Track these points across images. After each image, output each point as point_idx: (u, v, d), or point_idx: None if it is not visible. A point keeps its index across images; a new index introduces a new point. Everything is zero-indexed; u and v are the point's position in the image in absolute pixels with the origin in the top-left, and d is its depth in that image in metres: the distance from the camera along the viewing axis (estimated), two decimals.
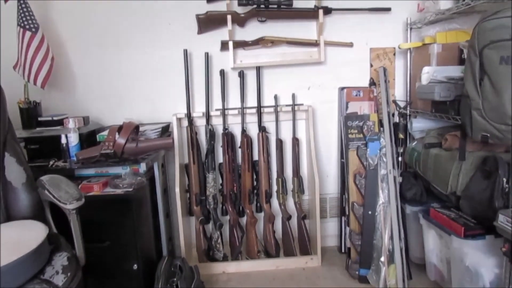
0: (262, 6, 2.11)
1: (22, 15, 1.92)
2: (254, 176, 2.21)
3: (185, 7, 2.16)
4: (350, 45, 2.23)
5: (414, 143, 2.06)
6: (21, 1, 1.92)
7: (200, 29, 2.17)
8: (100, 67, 2.23)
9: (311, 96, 2.28)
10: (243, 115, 2.19)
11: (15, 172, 1.37)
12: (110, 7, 2.18)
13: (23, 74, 1.98)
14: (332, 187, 2.38)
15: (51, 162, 1.79)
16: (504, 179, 1.44)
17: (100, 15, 2.18)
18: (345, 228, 2.21)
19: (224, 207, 2.21)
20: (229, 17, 2.09)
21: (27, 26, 1.92)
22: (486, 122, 1.36)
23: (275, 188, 2.23)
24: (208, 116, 2.17)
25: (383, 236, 1.93)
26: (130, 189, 1.68)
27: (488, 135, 1.37)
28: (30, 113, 2.00)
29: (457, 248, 1.60)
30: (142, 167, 1.78)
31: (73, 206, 1.25)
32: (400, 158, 2.10)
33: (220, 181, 2.20)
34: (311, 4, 2.14)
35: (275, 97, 2.19)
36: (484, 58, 1.33)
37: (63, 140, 1.83)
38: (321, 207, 2.23)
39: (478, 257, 1.53)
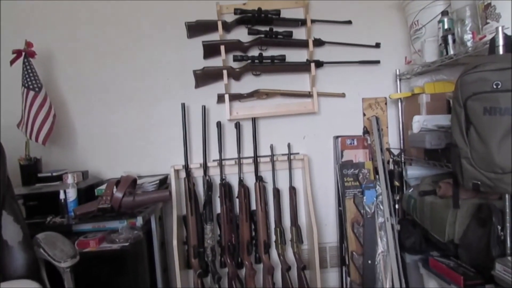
0: (257, 61, 2.21)
1: (27, 75, 2.00)
2: (253, 226, 2.20)
3: (183, 63, 2.26)
4: (343, 95, 2.30)
5: (410, 190, 2.07)
6: (26, 63, 2.01)
7: (197, 84, 2.26)
8: (100, 122, 2.29)
9: (307, 145, 2.32)
10: (240, 165, 2.22)
11: (11, 231, 1.38)
12: (111, 64, 2.28)
13: (25, 132, 2.03)
14: (331, 235, 2.35)
15: (48, 219, 1.79)
16: (499, 227, 1.44)
17: (101, 72, 2.28)
18: (346, 278, 2.17)
19: (222, 259, 2.18)
20: (225, 72, 2.18)
21: (31, 86, 1.99)
22: (475, 170, 1.37)
23: (273, 238, 2.21)
24: (205, 167, 2.20)
25: (384, 286, 1.89)
26: (127, 244, 1.67)
27: (479, 183, 1.38)
28: (30, 170, 2.04)
29: None
30: (139, 221, 1.78)
31: (67, 264, 1.25)
32: (397, 206, 2.10)
33: (218, 232, 2.19)
34: (303, 58, 2.25)
35: (271, 147, 2.23)
36: (468, 109, 1.37)
37: (62, 196, 1.85)
38: (320, 256, 2.19)
39: None
